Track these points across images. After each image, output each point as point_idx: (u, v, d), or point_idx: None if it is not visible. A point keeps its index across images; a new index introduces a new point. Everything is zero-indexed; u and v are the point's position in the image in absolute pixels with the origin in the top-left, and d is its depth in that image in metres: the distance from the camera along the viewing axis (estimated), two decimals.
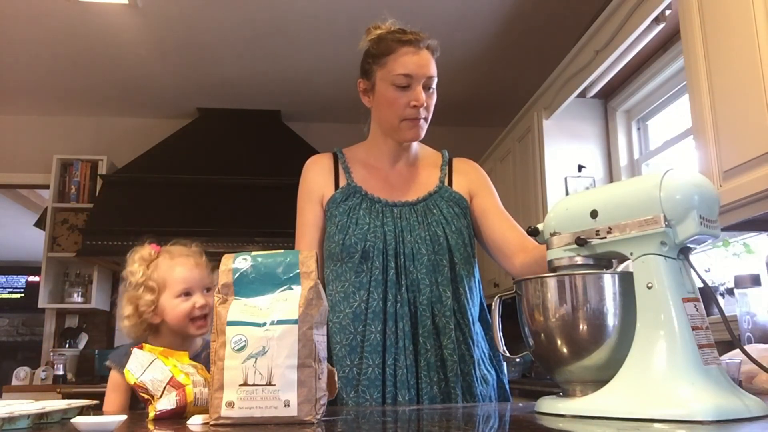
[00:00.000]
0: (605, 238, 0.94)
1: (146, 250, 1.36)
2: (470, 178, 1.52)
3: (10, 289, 8.44)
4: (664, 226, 0.88)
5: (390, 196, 1.45)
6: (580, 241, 0.96)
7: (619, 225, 0.93)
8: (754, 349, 1.40)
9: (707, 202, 0.91)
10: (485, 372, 1.40)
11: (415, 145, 1.52)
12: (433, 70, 1.40)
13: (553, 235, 1.01)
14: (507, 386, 1.45)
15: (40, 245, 4.55)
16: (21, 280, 8.45)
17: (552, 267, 1.02)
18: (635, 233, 0.91)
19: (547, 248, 1.03)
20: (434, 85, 1.42)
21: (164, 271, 1.33)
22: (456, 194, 1.47)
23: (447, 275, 1.38)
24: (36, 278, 8.20)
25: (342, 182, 1.47)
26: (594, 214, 0.96)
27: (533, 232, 1.06)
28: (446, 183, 1.50)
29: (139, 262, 1.34)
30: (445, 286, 1.37)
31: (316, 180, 1.49)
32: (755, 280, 1.89)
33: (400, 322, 1.34)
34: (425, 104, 1.39)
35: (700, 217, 0.89)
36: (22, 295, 8.35)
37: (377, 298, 1.35)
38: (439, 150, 1.57)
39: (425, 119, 1.42)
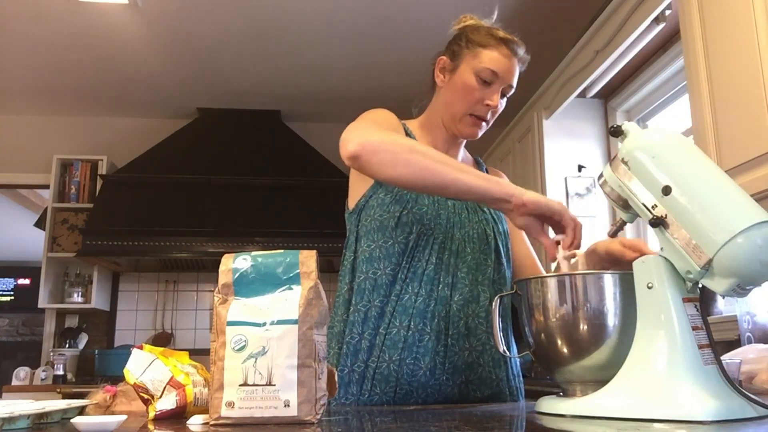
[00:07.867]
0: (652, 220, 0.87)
1: (100, 395, 1.26)
2: None
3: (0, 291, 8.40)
4: (699, 267, 0.82)
5: None
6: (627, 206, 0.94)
7: (672, 222, 0.85)
8: (754, 349, 1.40)
9: (756, 278, 0.82)
10: (516, 381, 1.35)
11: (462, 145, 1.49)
12: (515, 81, 1.37)
13: (624, 162, 0.92)
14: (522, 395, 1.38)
15: (39, 245, 4.55)
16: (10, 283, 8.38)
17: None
18: (677, 243, 0.85)
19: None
20: (509, 95, 1.39)
21: None
22: None
23: (489, 275, 1.33)
24: (26, 281, 8.19)
25: None
26: (667, 190, 0.86)
27: (616, 132, 0.95)
28: None
29: (94, 409, 1.20)
30: (485, 286, 1.32)
31: (395, 122, 1.39)
32: None
33: (429, 320, 1.27)
34: (496, 108, 1.36)
35: (737, 285, 0.82)
36: (12, 297, 8.29)
37: (410, 292, 1.28)
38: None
39: (487, 122, 1.39)
